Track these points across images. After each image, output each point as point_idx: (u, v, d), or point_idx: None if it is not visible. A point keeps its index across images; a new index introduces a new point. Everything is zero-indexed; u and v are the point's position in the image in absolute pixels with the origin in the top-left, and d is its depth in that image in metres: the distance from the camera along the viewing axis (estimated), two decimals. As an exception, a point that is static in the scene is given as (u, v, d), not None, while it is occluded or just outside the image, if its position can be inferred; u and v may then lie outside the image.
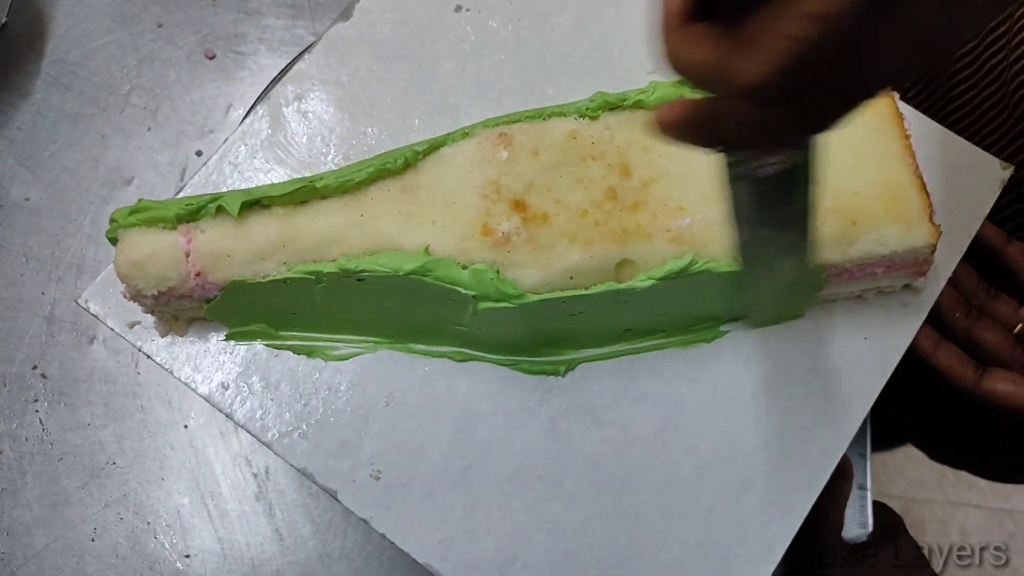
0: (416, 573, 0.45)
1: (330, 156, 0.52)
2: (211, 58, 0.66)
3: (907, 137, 0.46)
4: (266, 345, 0.48)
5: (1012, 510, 1.39)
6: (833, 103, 0.28)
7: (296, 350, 0.48)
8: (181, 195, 0.50)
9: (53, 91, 0.65)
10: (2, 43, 0.66)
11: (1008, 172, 0.51)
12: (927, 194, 0.45)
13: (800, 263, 0.40)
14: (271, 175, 0.51)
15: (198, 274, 0.44)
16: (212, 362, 0.48)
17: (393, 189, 0.46)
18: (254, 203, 0.45)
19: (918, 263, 0.46)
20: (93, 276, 0.52)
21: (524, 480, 0.46)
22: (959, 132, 0.53)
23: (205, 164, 0.52)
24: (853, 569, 0.51)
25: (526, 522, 0.45)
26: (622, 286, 0.44)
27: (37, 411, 0.57)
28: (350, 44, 0.54)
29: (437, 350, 0.48)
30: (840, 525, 0.52)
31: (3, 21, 0.65)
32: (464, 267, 0.44)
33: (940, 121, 0.52)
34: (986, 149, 0.52)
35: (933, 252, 0.45)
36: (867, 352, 0.48)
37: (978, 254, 0.51)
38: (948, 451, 0.78)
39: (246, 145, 0.52)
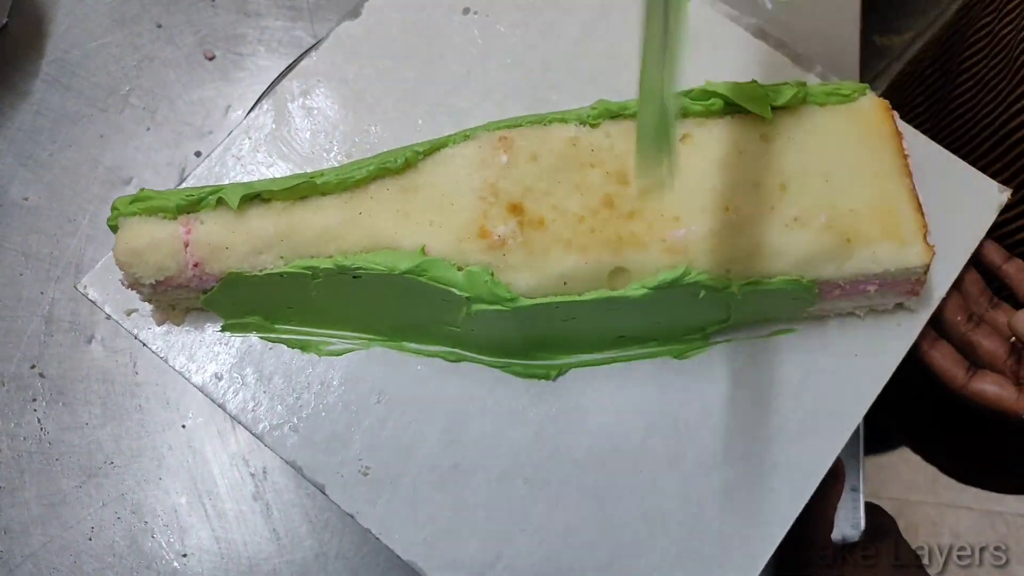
0: (412, 573, 0.45)
1: (333, 153, 0.52)
2: (210, 59, 0.66)
3: (905, 156, 0.47)
4: (261, 338, 0.49)
5: (1004, 512, 1.39)
6: None
7: (291, 344, 0.49)
8: (183, 186, 0.50)
9: (52, 91, 0.65)
10: (2, 43, 0.66)
11: (1006, 195, 0.51)
12: (922, 214, 0.45)
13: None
14: (273, 169, 0.52)
15: (196, 264, 0.45)
16: (207, 352, 0.48)
17: (392, 188, 0.46)
18: (254, 196, 0.45)
19: (911, 283, 0.46)
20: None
21: (510, 482, 0.46)
22: (961, 152, 0.53)
23: (208, 156, 0.52)
24: (853, 569, 0.52)
25: (510, 523, 0.46)
26: (615, 294, 0.44)
27: (35, 410, 0.57)
28: (357, 42, 0.55)
29: (430, 349, 0.49)
30: (831, 526, 0.52)
31: (3, 21, 0.65)
32: (459, 268, 0.44)
33: (942, 142, 0.53)
34: (984, 170, 0.52)
35: (926, 272, 0.46)
36: (857, 369, 0.48)
37: (979, 270, 0.51)
38: (939, 453, 0.78)
39: (250, 138, 0.52)
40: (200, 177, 0.51)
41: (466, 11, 0.56)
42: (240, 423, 0.47)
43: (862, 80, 0.67)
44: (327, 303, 0.47)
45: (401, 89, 0.54)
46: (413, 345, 0.49)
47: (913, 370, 0.49)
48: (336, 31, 0.55)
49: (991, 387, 0.48)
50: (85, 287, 0.49)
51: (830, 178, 0.45)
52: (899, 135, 0.47)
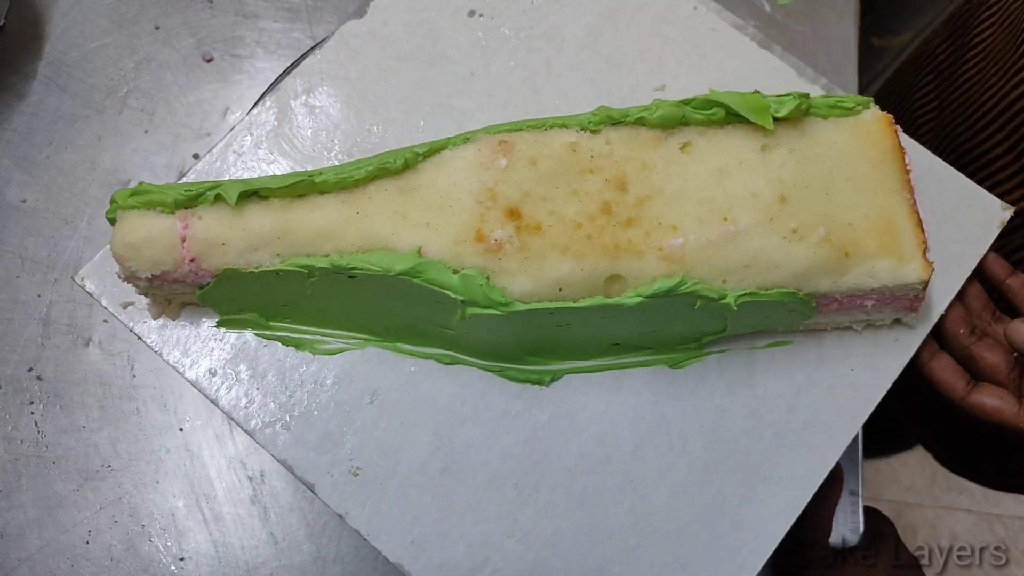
0: (405, 577, 0.45)
1: (334, 151, 0.52)
2: (208, 61, 0.66)
3: (907, 171, 0.46)
4: (256, 334, 0.49)
5: (1002, 514, 1.39)
6: None
7: (285, 341, 0.49)
8: (183, 181, 0.50)
9: (50, 93, 0.65)
10: (-1, 44, 0.66)
11: (1008, 213, 0.51)
12: (922, 230, 0.45)
13: None
14: (274, 166, 0.52)
15: (192, 260, 0.45)
16: (202, 347, 0.49)
17: (391, 189, 0.46)
18: (252, 193, 0.45)
19: (909, 299, 0.46)
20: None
21: (500, 486, 0.46)
22: (966, 168, 0.53)
23: (210, 151, 0.52)
24: (854, 570, 0.52)
25: (499, 528, 0.46)
26: (610, 301, 0.44)
27: (32, 413, 0.57)
28: (362, 41, 0.55)
29: (424, 351, 0.49)
30: (828, 530, 0.52)
31: (1, 23, 0.65)
32: (455, 271, 0.44)
33: (946, 158, 0.52)
34: (991, 188, 0.52)
35: (925, 288, 0.45)
36: (853, 383, 0.48)
37: (982, 283, 0.51)
38: (943, 454, 0.78)
39: (252, 135, 0.52)
40: (201, 172, 0.51)
41: (471, 13, 0.55)
42: (232, 419, 0.47)
43: (860, 81, 0.67)
44: (322, 302, 0.47)
45: (404, 90, 0.54)
46: (407, 346, 0.49)
47: (913, 381, 0.49)
48: (341, 30, 0.55)
49: (990, 400, 0.48)
50: (83, 279, 0.49)
51: (830, 191, 0.45)
52: (901, 149, 0.46)
